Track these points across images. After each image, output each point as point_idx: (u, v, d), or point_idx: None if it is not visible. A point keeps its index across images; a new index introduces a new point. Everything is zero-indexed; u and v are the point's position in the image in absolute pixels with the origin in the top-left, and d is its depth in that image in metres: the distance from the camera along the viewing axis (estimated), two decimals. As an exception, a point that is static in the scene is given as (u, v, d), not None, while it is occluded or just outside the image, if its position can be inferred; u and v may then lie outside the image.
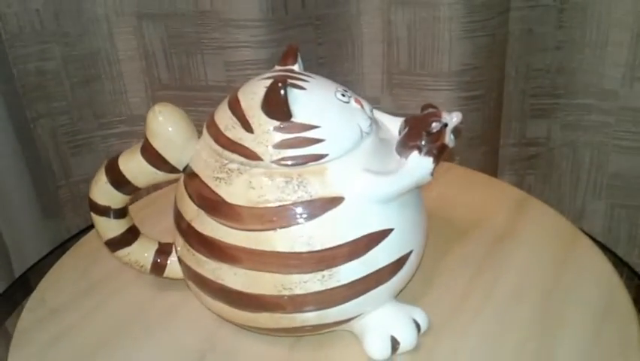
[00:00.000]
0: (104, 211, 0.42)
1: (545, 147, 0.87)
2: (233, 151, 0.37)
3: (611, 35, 0.77)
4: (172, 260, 0.44)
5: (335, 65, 0.80)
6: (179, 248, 0.41)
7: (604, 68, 0.79)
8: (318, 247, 0.36)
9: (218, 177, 0.37)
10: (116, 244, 0.43)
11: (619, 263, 0.83)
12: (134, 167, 0.40)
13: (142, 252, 0.44)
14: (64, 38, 0.78)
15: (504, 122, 0.86)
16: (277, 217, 0.35)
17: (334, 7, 0.78)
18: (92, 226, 0.57)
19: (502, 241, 0.50)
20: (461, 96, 0.78)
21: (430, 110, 0.38)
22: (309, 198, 0.35)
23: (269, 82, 0.37)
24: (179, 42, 0.78)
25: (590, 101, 0.82)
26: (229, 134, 0.37)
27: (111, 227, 0.43)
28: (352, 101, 0.38)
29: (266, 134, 0.36)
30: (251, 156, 0.36)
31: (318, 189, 0.36)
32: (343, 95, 0.38)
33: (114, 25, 0.79)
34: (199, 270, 0.38)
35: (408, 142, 0.37)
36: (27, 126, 0.80)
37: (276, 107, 0.36)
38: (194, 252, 0.38)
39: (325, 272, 0.36)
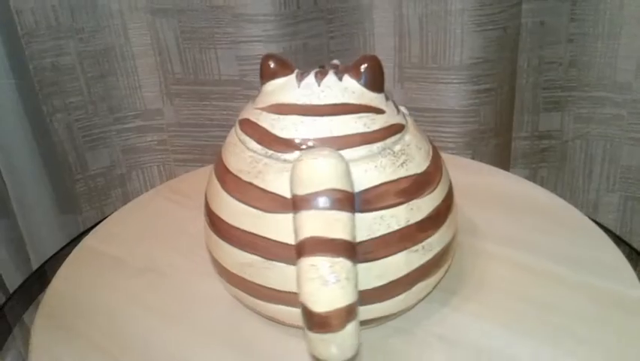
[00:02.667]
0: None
1: (558, 140, 0.87)
2: (391, 135, 0.38)
3: (625, 28, 0.76)
4: None
5: (347, 59, 0.81)
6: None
7: (617, 60, 0.78)
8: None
9: (401, 165, 0.37)
10: None
11: (634, 255, 0.83)
12: (351, 225, 0.33)
13: None
14: (79, 34, 0.79)
15: (516, 115, 0.86)
16: (442, 160, 0.41)
17: (346, 0, 0.78)
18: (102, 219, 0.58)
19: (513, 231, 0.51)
20: (473, 89, 0.78)
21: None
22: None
23: (329, 81, 0.38)
24: (193, 37, 0.79)
25: (603, 94, 0.81)
26: (375, 126, 0.37)
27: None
28: None
29: (389, 107, 0.39)
30: (401, 129, 0.39)
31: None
32: None
33: (128, 20, 0.80)
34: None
35: None
36: (43, 121, 0.81)
37: (382, 80, 0.39)
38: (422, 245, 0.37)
39: None
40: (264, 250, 0.37)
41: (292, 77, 0.39)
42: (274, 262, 0.36)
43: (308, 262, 0.31)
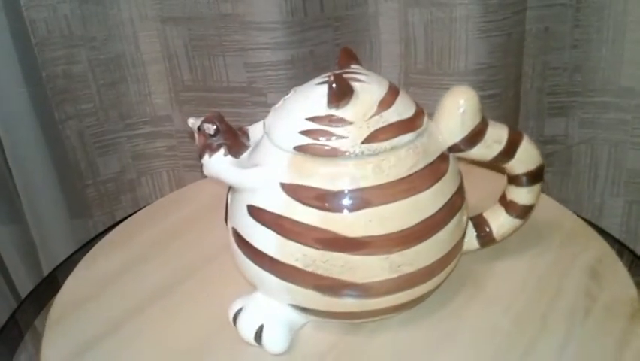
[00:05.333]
0: None
1: (563, 145, 0.88)
2: None
3: (628, 33, 0.77)
4: None
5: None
6: None
7: (621, 65, 0.79)
8: None
9: None
10: None
11: (637, 261, 0.83)
12: None
13: None
14: (90, 42, 0.80)
15: (521, 121, 0.86)
16: None
17: (352, 8, 0.79)
18: (117, 224, 0.59)
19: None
20: (478, 95, 0.79)
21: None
22: None
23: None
24: (202, 44, 0.80)
25: (607, 99, 0.82)
26: None
27: None
28: None
29: None
30: None
31: None
32: None
33: (138, 29, 0.81)
34: None
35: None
36: (55, 128, 0.82)
37: None
38: None
39: None
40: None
41: (357, 84, 0.40)
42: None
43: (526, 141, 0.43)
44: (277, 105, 0.42)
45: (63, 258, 0.87)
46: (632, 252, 0.64)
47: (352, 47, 0.81)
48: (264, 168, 0.39)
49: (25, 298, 0.83)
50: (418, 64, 0.80)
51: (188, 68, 0.83)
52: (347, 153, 0.38)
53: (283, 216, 0.38)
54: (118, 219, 0.90)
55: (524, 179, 0.44)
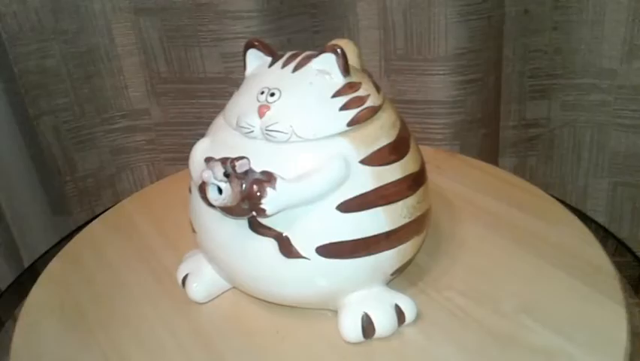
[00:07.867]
0: None
1: (546, 128, 0.87)
2: None
3: (608, 14, 0.77)
4: None
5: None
6: None
7: (602, 46, 0.79)
8: None
9: None
10: None
11: (621, 247, 0.83)
12: None
13: None
14: (63, 35, 0.78)
15: (503, 105, 0.86)
16: None
17: (330, -6, 0.78)
18: (95, 217, 0.58)
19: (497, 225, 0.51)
20: (459, 80, 0.78)
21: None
22: None
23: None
24: (177, 35, 0.79)
25: (588, 81, 0.82)
26: None
27: None
28: None
29: None
30: None
31: None
32: None
33: (112, 20, 0.80)
34: None
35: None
36: (30, 124, 0.81)
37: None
38: None
39: None
40: None
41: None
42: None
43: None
44: (266, 118, 0.38)
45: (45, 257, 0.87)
46: (615, 237, 0.64)
47: (330, 34, 0.81)
48: (337, 159, 0.38)
49: (5, 290, 0.82)
50: (398, 50, 0.79)
51: (164, 60, 0.82)
52: (380, 106, 0.41)
53: (381, 187, 0.39)
54: (98, 214, 0.89)
55: None
